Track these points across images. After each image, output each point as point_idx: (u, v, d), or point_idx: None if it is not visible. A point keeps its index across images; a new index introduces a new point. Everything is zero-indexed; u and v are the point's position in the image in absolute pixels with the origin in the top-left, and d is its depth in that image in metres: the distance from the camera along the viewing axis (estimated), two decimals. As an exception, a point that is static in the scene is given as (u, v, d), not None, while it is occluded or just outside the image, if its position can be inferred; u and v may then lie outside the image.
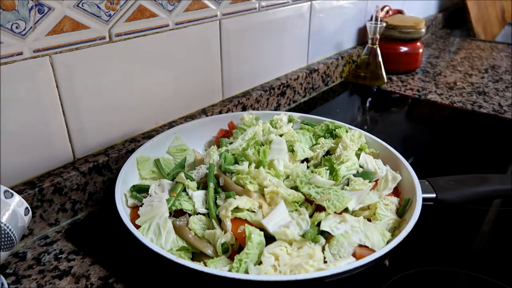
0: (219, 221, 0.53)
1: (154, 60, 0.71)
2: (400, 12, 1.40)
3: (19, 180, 0.59)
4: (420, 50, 1.28)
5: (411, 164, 0.60)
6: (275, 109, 1.00)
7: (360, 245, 0.49)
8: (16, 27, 0.53)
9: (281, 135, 0.66)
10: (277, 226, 0.50)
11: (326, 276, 0.42)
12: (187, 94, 0.80)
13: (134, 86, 0.70)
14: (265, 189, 0.54)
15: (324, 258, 0.49)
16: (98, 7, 0.61)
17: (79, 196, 0.63)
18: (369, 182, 0.58)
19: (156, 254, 0.45)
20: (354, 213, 0.53)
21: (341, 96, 1.16)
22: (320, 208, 0.53)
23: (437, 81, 1.23)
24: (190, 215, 0.54)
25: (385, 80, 1.21)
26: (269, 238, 0.49)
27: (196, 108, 0.83)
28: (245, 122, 0.72)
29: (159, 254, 0.45)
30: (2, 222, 0.45)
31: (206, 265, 0.47)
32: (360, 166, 0.63)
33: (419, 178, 0.57)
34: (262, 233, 0.49)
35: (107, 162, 0.66)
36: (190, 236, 0.51)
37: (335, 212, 0.51)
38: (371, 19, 1.16)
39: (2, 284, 0.49)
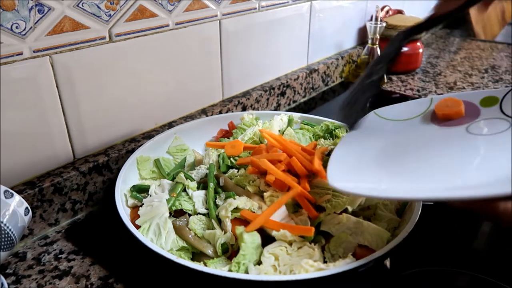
0: (219, 221, 0.53)
1: (154, 60, 0.71)
2: (400, 12, 1.40)
3: (19, 180, 0.59)
4: (420, 50, 1.28)
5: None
6: (275, 109, 1.00)
7: (360, 245, 0.49)
8: (16, 27, 0.53)
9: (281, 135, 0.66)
10: (277, 226, 0.50)
11: (326, 276, 0.42)
12: (187, 94, 0.80)
13: (134, 86, 0.70)
14: (264, 193, 0.54)
15: (324, 258, 0.49)
16: (98, 7, 0.61)
17: (79, 196, 0.63)
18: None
19: (156, 254, 0.45)
20: (354, 213, 0.52)
21: (341, 96, 1.16)
22: (320, 209, 0.53)
23: (437, 81, 1.23)
24: (190, 215, 0.55)
25: (385, 80, 1.21)
26: (269, 238, 0.49)
27: (196, 108, 0.83)
28: (245, 122, 0.72)
29: (159, 254, 0.45)
30: (2, 222, 0.45)
31: (206, 265, 0.47)
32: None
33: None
34: (255, 232, 0.48)
35: (107, 162, 0.66)
36: (190, 236, 0.51)
37: (334, 212, 0.51)
38: (371, 19, 1.16)
39: (2, 284, 0.49)
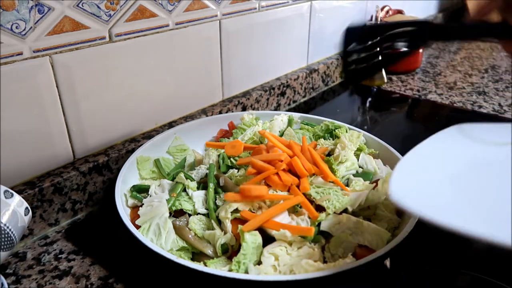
0: (219, 222, 0.52)
1: (154, 60, 0.71)
2: (400, 12, 1.40)
3: (19, 180, 0.59)
4: (420, 50, 1.28)
5: (411, 164, 0.60)
6: (275, 109, 1.00)
7: (360, 245, 0.49)
8: (16, 27, 0.53)
9: (281, 135, 0.66)
10: (277, 226, 0.50)
11: (326, 276, 0.42)
12: (187, 94, 0.80)
13: (134, 86, 0.70)
14: None
15: (324, 258, 0.49)
16: (98, 7, 0.61)
17: (79, 196, 0.63)
18: (369, 182, 0.58)
19: (156, 254, 0.45)
20: (354, 213, 0.52)
21: (341, 96, 1.16)
22: (320, 208, 0.53)
23: (437, 81, 1.23)
24: (190, 215, 0.54)
25: (385, 80, 1.21)
26: (269, 238, 0.49)
27: (196, 108, 0.83)
28: (245, 122, 0.72)
29: (159, 254, 0.45)
30: (2, 222, 0.45)
31: (206, 265, 0.47)
32: (360, 167, 0.63)
33: (419, 178, 0.57)
34: (256, 232, 0.49)
35: (107, 162, 0.66)
36: (190, 236, 0.51)
37: (335, 213, 0.51)
38: (371, 19, 1.16)
39: (2, 284, 0.49)
